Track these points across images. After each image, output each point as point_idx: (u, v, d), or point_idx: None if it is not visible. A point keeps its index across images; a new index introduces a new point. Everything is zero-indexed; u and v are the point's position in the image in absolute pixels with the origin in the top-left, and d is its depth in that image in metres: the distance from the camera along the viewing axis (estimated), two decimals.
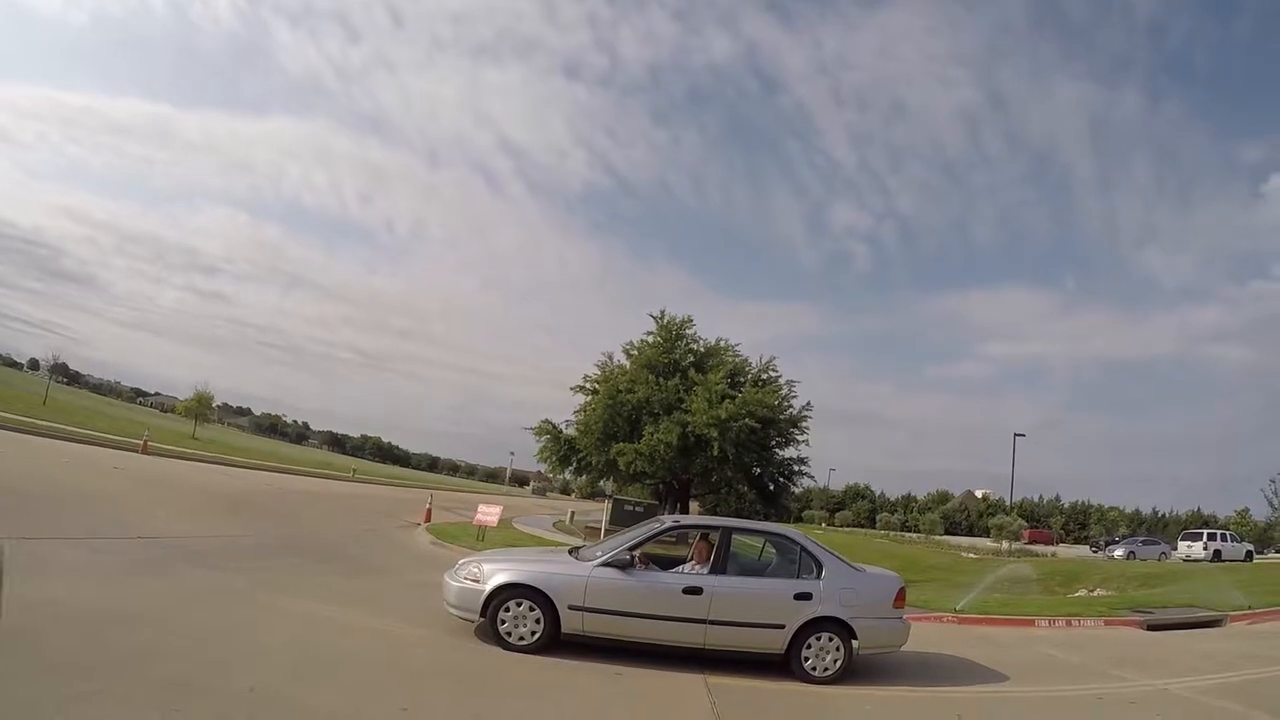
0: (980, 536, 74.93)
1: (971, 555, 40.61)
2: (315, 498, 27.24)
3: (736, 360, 24.80)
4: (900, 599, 8.78)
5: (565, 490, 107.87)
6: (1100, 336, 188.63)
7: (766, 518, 24.42)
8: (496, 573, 8.13)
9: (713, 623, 8.06)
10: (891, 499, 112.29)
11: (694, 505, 26.52)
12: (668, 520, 9.67)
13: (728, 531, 8.79)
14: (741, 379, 24.41)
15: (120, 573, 8.07)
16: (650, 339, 24.72)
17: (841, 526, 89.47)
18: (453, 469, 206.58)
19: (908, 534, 77.03)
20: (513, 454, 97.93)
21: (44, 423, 28.26)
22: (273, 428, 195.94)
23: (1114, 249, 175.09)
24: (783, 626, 8.19)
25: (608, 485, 28.68)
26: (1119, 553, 46.38)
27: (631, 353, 24.81)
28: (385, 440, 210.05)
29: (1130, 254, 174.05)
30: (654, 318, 24.89)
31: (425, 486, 48.01)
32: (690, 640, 8.11)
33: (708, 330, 26.81)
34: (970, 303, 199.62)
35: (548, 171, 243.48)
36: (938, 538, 69.69)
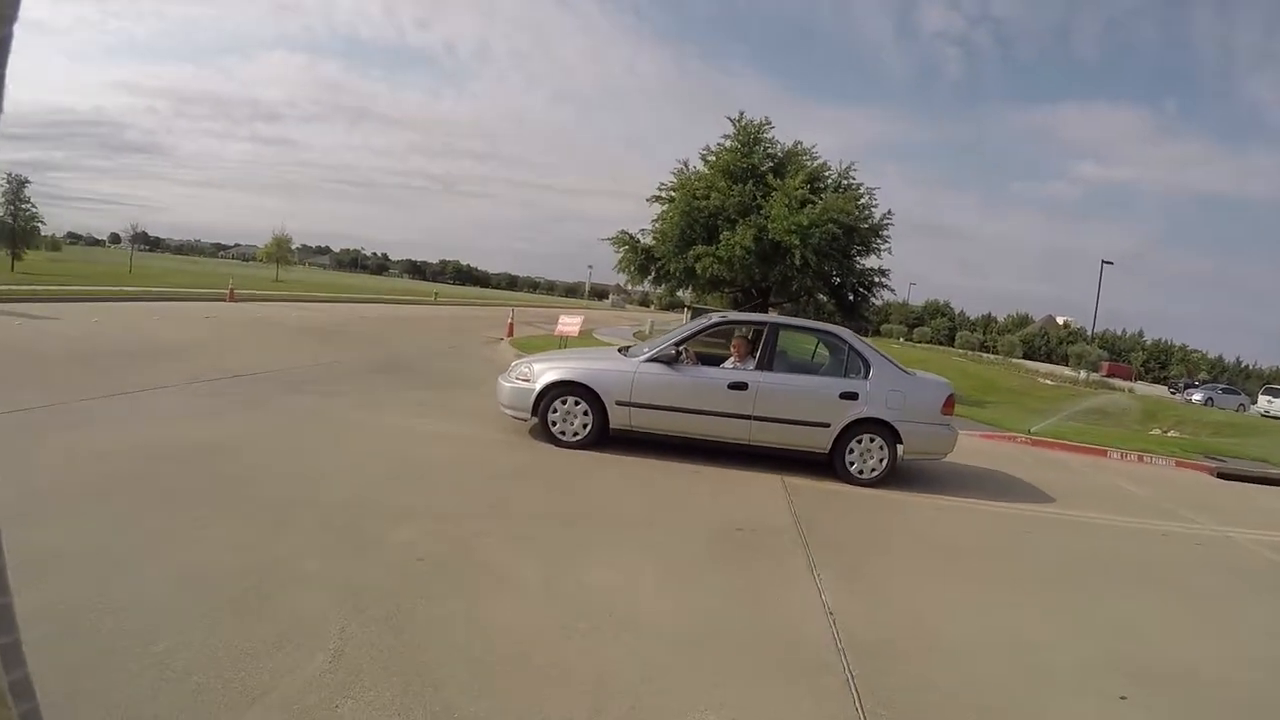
0: (1059, 364, 74.14)
1: (1048, 382, 40.37)
2: (400, 322, 27.91)
3: (815, 165, 23.96)
4: (949, 405, 8.74)
5: (644, 302, 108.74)
6: (1198, 167, 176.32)
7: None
8: (546, 371, 8.43)
9: (758, 418, 8.24)
10: (971, 318, 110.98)
11: (773, 313, 26.56)
12: (715, 316, 9.76)
13: (775, 328, 8.81)
14: (821, 185, 23.67)
15: (222, 409, 8.36)
16: (727, 143, 23.94)
17: (919, 343, 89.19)
18: (532, 286, 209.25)
19: (985, 355, 76.58)
20: (590, 268, 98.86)
21: (133, 288, 28.70)
22: (353, 262, 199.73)
23: (1223, 73, 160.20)
24: (828, 425, 8.32)
25: (686, 295, 28.68)
26: (1197, 397, 45.59)
27: (708, 158, 24.08)
28: (464, 263, 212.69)
29: (1240, 81, 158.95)
30: (731, 120, 23.91)
31: (506, 304, 48.82)
32: (736, 435, 8.34)
33: (788, 136, 25.45)
34: (1063, 118, 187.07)
35: None
36: (1015, 361, 69.13)
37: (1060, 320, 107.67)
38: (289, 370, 12.05)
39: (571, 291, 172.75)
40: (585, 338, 20.00)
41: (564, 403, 8.32)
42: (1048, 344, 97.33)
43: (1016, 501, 8.94)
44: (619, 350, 9.44)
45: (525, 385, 8.45)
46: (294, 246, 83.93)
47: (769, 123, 23.91)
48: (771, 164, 23.46)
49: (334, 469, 6.52)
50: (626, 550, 5.30)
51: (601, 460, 7.97)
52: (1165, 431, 23.00)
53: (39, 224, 49.30)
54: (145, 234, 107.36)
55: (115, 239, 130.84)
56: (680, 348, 8.56)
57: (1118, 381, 53.36)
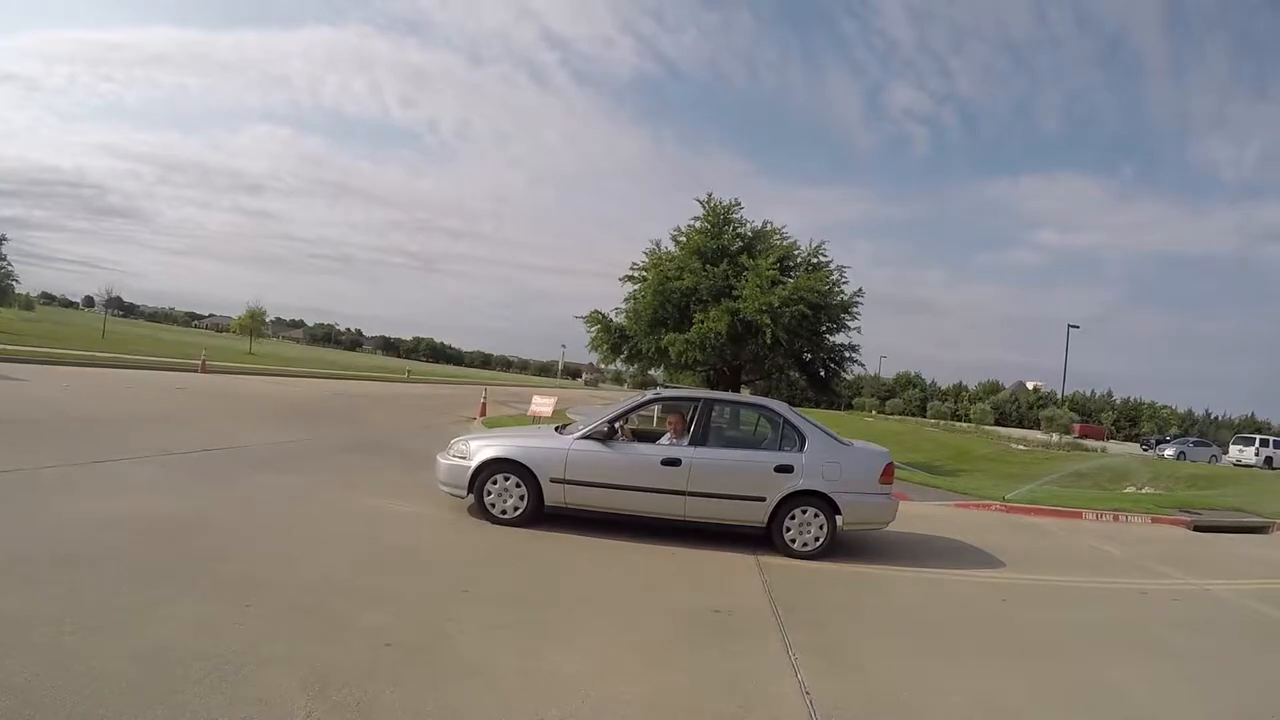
0: (1031, 428, 74.81)
1: (1020, 447, 40.62)
2: (371, 400, 27.87)
3: (785, 244, 24.40)
4: (888, 475, 8.73)
5: (617, 380, 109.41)
6: (1158, 230, 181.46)
7: (817, 404, 24.41)
8: (482, 449, 8.47)
9: (692, 494, 8.23)
10: (942, 388, 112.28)
11: (745, 390, 26.74)
12: (650, 394, 9.88)
13: (709, 403, 8.84)
14: (791, 264, 24.08)
15: (191, 484, 8.37)
16: (697, 224, 24.39)
17: (892, 414, 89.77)
18: (505, 365, 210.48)
19: (958, 423, 77.09)
20: (564, 347, 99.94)
21: (104, 354, 28.84)
22: (326, 337, 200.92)
23: (1179, 140, 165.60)
24: (763, 499, 8.30)
25: (659, 374, 28.86)
26: (1169, 452, 46.18)
27: (679, 239, 24.53)
28: (438, 341, 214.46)
29: (1194, 146, 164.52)
30: (700, 202, 24.46)
31: (479, 383, 48.72)
32: (670, 511, 8.31)
33: (760, 215, 26.11)
34: (1024, 189, 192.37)
35: (593, 62, 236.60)
36: (988, 428, 69.68)
37: (1030, 385, 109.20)
38: (260, 446, 12.03)
39: (545, 370, 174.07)
40: (558, 417, 19.98)
41: (498, 480, 8.34)
42: (1019, 409, 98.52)
43: (993, 570, 8.95)
44: (557, 428, 9.49)
45: (461, 463, 8.47)
46: (268, 319, 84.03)
47: (738, 204, 24.46)
48: (741, 244, 23.87)
49: (303, 548, 6.46)
50: (600, 634, 5.22)
51: (577, 543, 7.89)
52: (1140, 488, 23.15)
53: (13, 282, 49.10)
54: (120, 299, 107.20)
55: (89, 302, 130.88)
56: (614, 425, 8.65)
57: (1090, 442, 53.86)
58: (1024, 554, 10.08)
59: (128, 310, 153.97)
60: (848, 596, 7.23)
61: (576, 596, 6.14)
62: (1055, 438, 51.33)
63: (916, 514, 12.27)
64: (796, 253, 24.34)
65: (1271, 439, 45.90)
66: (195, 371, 28.19)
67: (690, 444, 8.48)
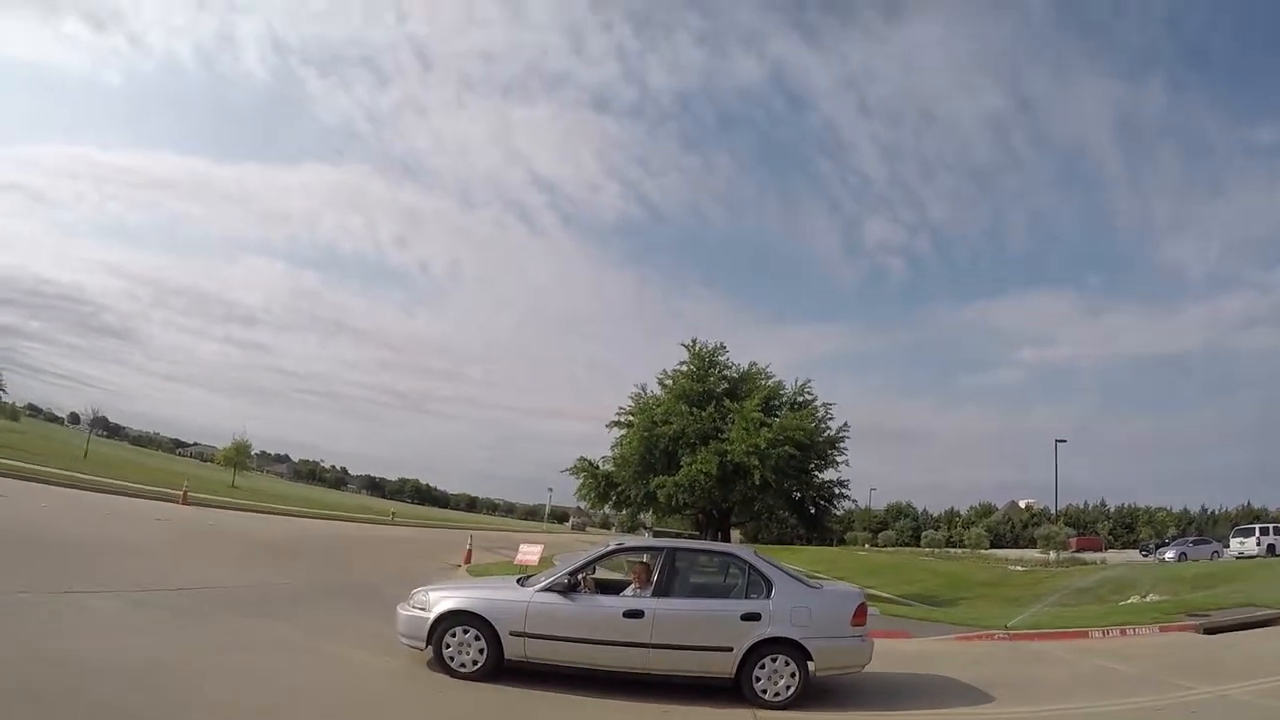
0: (1027, 547, 73.93)
1: (1019, 568, 40.08)
2: (354, 542, 27.41)
3: (770, 384, 24.74)
4: (860, 616, 8.53)
5: (605, 524, 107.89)
6: (1131, 334, 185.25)
7: (809, 542, 24.22)
8: (441, 600, 8.28)
9: (655, 646, 7.97)
10: (934, 515, 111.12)
11: (735, 533, 26.50)
12: (612, 544, 9.86)
13: (671, 552, 8.71)
14: (777, 403, 24.35)
15: (163, 623, 8.23)
16: (684, 368, 24.79)
17: (885, 547, 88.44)
18: (491, 508, 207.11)
19: (953, 550, 76.09)
20: (551, 490, 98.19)
21: (85, 476, 28.58)
22: (311, 474, 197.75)
23: (1140, 244, 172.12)
24: (730, 649, 8.04)
25: (647, 517, 28.67)
26: (1170, 555, 45.50)
27: (665, 383, 24.91)
28: (424, 482, 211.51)
29: (1157, 248, 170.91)
30: (686, 346, 25.01)
31: (465, 527, 48.01)
32: (633, 665, 8.05)
33: (744, 354, 26.70)
34: (999, 310, 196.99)
35: (580, 205, 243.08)
36: (984, 552, 68.88)
37: (1023, 504, 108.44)
38: (235, 587, 11.77)
39: (532, 514, 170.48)
40: (545, 565, 19.62)
41: (457, 633, 8.08)
42: (1013, 529, 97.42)
43: (1004, 706, 8.60)
44: (518, 580, 9.32)
45: (420, 614, 8.26)
46: (253, 452, 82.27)
47: (723, 347, 25.07)
48: (727, 385, 24.23)
49: (276, 699, 6.24)
50: None
51: (559, 701, 7.61)
52: (1144, 596, 22.77)
53: (1, 391, 48.29)
54: (105, 419, 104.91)
55: (75, 419, 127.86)
56: (575, 577, 8.50)
57: (1089, 555, 53.24)
58: (1033, 684, 9.83)
59: (113, 431, 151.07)
60: None
61: None
62: (1053, 555, 50.79)
63: (918, 651, 12.00)
64: (782, 392, 24.69)
65: (1271, 526, 45.43)
66: (176, 502, 27.67)
67: (654, 594, 8.29)
